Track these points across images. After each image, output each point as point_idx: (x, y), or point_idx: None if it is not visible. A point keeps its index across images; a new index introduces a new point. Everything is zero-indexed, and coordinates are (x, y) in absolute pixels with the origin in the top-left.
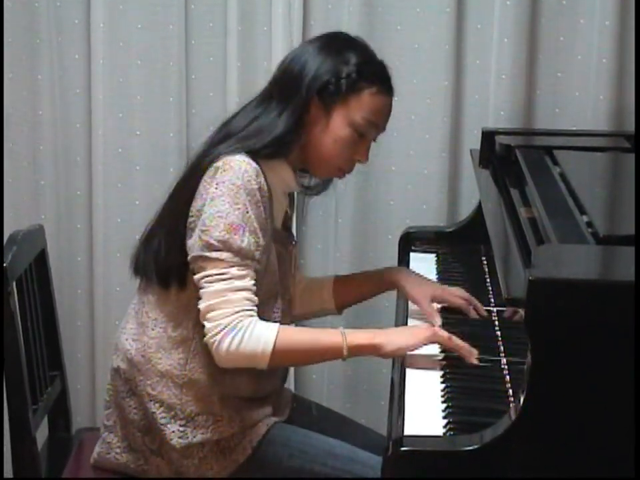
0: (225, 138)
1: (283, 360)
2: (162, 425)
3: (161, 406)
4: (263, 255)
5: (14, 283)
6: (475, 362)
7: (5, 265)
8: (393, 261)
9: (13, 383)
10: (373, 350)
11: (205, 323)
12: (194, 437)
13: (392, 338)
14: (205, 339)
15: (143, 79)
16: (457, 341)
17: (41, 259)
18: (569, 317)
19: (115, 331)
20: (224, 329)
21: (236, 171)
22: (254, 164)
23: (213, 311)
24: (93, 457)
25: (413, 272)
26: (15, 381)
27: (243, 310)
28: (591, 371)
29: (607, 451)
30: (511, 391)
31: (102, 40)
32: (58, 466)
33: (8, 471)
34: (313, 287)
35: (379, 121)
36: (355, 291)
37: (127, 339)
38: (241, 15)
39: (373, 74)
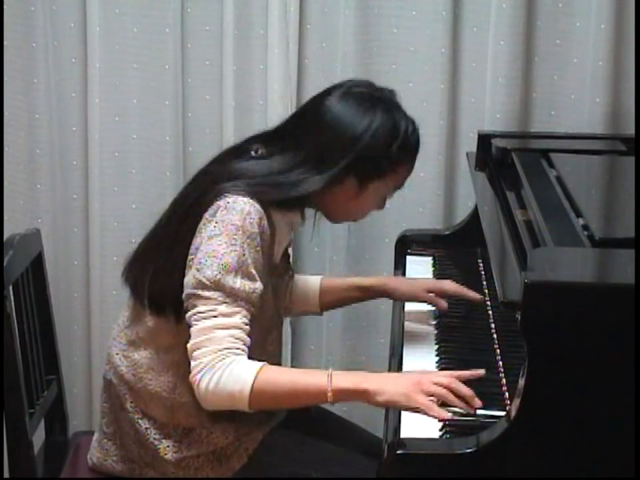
0: (235, 177)
1: (264, 401)
2: (155, 440)
3: (154, 423)
4: (259, 299)
5: (10, 287)
6: (475, 406)
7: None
8: (389, 263)
9: (9, 386)
10: (362, 396)
11: (191, 361)
12: (188, 451)
13: (383, 386)
14: (190, 377)
15: (139, 82)
16: (466, 392)
17: (37, 262)
18: (564, 319)
19: (109, 339)
20: (204, 367)
21: (238, 211)
22: (258, 206)
23: (197, 349)
24: (91, 460)
25: (398, 277)
26: (11, 385)
27: (227, 348)
28: (586, 373)
29: (603, 454)
30: (507, 394)
31: (98, 44)
32: (54, 469)
33: (5, 475)
34: (299, 286)
35: (403, 183)
36: (340, 296)
37: (117, 354)
38: (237, 19)
39: (411, 152)
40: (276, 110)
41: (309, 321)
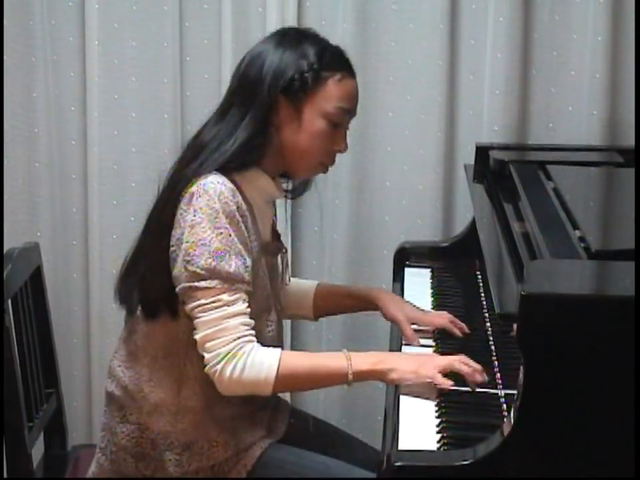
0: (194, 156)
1: (287, 386)
2: (158, 453)
3: (157, 434)
4: (251, 275)
5: (9, 300)
6: (481, 379)
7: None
8: (387, 275)
9: (8, 399)
10: (379, 376)
11: (204, 353)
12: (189, 465)
13: (399, 365)
14: (206, 369)
15: (138, 95)
16: (474, 365)
17: (37, 276)
18: (561, 331)
19: (111, 348)
20: (224, 357)
21: (211, 194)
22: (228, 183)
23: (210, 340)
24: (89, 475)
25: (395, 295)
26: (11, 398)
27: (241, 336)
28: (583, 385)
29: (600, 467)
30: (504, 405)
31: (97, 57)
32: None
33: None
34: (294, 291)
35: (349, 106)
36: (334, 304)
37: (119, 366)
38: (235, 32)
39: (333, 61)
40: None
41: (308, 331)
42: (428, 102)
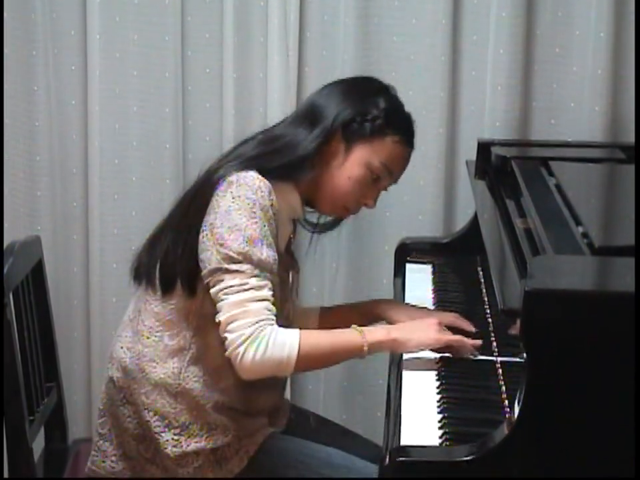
0: (239, 156)
1: (308, 363)
2: (156, 433)
3: (155, 414)
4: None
5: (10, 294)
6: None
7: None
8: (389, 271)
9: (9, 393)
10: (392, 344)
11: (227, 334)
12: (187, 445)
13: (408, 335)
14: (228, 352)
15: (139, 90)
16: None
17: (38, 269)
18: (564, 327)
19: (111, 341)
20: (247, 339)
21: (250, 186)
22: (267, 182)
23: (234, 321)
24: (88, 466)
25: (399, 301)
26: (12, 392)
27: (264, 319)
28: (586, 380)
29: (603, 462)
30: (507, 401)
31: (98, 51)
32: (54, 476)
33: None
34: (298, 316)
35: (395, 169)
36: (339, 323)
37: (121, 347)
38: (237, 27)
39: (399, 123)
40: (276, 118)
41: None
42: (430, 98)
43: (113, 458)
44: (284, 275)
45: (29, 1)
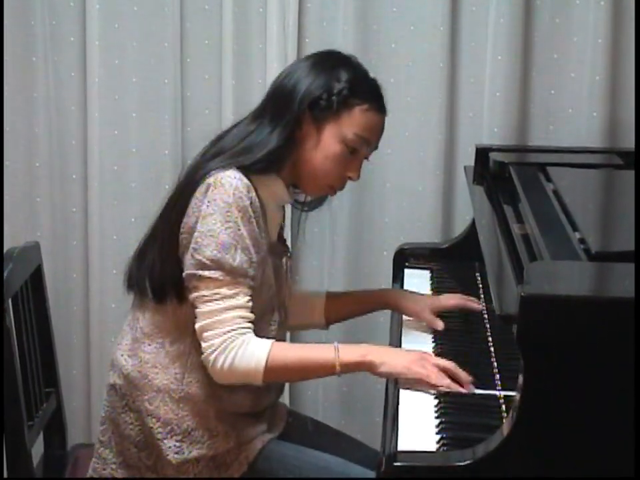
0: (217, 154)
1: (277, 376)
2: (158, 440)
3: (157, 421)
4: (258, 271)
5: (10, 300)
6: (470, 390)
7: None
8: (387, 277)
9: (8, 399)
10: (367, 367)
11: (201, 342)
12: (189, 452)
13: (386, 358)
14: (202, 357)
15: (138, 96)
16: (461, 373)
17: (37, 275)
18: (560, 332)
19: (111, 347)
20: (217, 348)
21: (227, 188)
22: (245, 179)
23: (207, 331)
24: (89, 473)
25: (405, 290)
26: (11, 398)
27: (236, 329)
28: (582, 386)
29: (600, 468)
30: (504, 406)
31: (97, 57)
32: None
33: None
34: (304, 301)
35: (370, 138)
36: (345, 309)
37: (122, 355)
38: (236, 33)
39: (364, 91)
40: None
41: (306, 332)
42: (428, 104)
43: (113, 466)
44: (277, 262)
45: (29, 7)
